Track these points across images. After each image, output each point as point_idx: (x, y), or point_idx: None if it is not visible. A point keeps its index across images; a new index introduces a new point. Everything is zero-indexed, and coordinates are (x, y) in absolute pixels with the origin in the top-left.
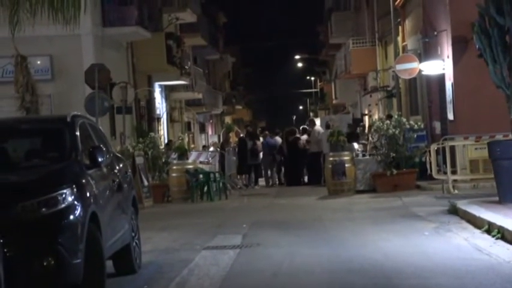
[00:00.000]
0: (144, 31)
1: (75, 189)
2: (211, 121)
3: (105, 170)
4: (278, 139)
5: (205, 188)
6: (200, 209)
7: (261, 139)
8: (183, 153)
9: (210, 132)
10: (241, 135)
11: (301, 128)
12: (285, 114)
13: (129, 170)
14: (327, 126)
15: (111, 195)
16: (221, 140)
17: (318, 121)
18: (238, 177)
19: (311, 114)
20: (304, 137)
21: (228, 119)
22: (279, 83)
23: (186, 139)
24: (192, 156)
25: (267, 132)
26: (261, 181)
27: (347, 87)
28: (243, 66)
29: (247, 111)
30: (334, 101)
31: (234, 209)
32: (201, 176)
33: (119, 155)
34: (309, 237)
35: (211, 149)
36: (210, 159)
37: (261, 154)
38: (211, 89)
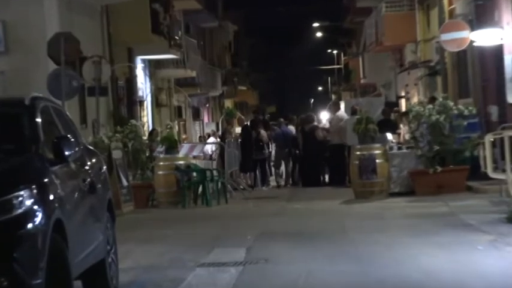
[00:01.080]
0: None
1: (35, 191)
2: (207, 105)
3: (73, 166)
4: (291, 128)
5: (200, 190)
6: (193, 215)
7: (272, 129)
8: (172, 146)
9: (206, 120)
10: (246, 123)
11: (321, 114)
12: (300, 97)
13: (104, 167)
14: (352, 111)
15: (81, 198)
16: (220, 130)
17: (341, 105)
18: (242, 175)
19: (333, 96)
20: (324, 124)
21: (228, 103)
22: (292, 58)
23: (176, 128)
24: (184, 150)
25: (282, 119)
26: (272, 180)
27: (378, 62)
28: (247, 36)
29: (253, 94)
30: (362, 81)
31: (236, 216)
32: (194, 174)
33: (91, 148)
34: (329, 252)
35: (211, 139)
36: (211, 151)
37: (270, 146)
38: (207, 66)
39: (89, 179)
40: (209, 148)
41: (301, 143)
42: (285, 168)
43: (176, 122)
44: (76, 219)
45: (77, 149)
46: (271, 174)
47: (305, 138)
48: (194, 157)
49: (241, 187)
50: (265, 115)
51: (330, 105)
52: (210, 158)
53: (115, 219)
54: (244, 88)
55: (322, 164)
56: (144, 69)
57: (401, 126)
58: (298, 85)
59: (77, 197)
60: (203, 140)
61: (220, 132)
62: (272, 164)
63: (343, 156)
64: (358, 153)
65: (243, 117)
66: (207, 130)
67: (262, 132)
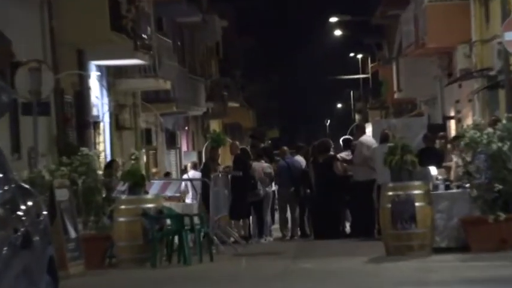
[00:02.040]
0: None
1: None
2: (186, 129)
3: None
4: (300, 160)
5: (176, 243)
6: (167, 278)
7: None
8: (137, 183)
9: (184, 147)
10: (239, 152)
11: (341, 140)
12: (312, 118)
13: (44, 212)
14: (383, 137)
15: (11, 254)
16: (203, 161)
17: (368, 129)
18: (233, 223)
19: (357, 117)
20: (345, 154)
21: (215, 126)
22: (301, 64)
23: (144, 159)
24: (154, 188)
25: (285, 148)
26: (274, 229)
27: (419, 71)
28: (241, 35)
29: (248, 113)
30: (396, 95)
31: (224, 280)
32: (168, 221)
33: (27, 187)
34: None
35: (191, 173)
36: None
37: (271, 184)
38: (186, 74)
39: (22, 229)
40: (178, 187)
41: (314, 180)
42: (291, 213)
43: (144, 150)
44: (2, 285)
45: (5, 187)
46: (273, 222)
47: (318, 173)
48: (168, 198)
49: (232, 239)
50: (264, 141)
51: (353, 129)
52: (180, 200)
53: (58, 284)
54: (236, 105)
55: (342, 209)
56: (100, 79)
57: (452, 157)
58: (309, 102)
59: (5, 253)
60: (180, 174)
61: (201, 166)
62: (276, 207)
63: (371, 197)
64: (390, 193)
65: (237, 143)
66: (186, 162)
67: (255, 164)
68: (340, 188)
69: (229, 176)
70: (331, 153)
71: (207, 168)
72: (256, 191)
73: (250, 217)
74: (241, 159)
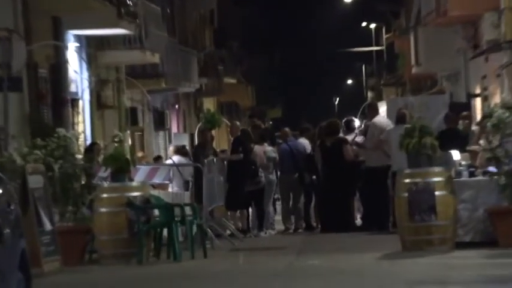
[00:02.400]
0: None
1: None
2: (177, 107)
3: None
4: (304, 143)
5: (166, 236)
6: (154, 277)
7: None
8: (121, 169)
9: (174, 129)
10: (239, 133)
11: (343, 122)
12: (319, 96)
13: (15, 201)
14: (399, 117)
15: None
16: (196, 145)
17: (382, 108)
18: (229, 215)
19: (369, 95)
20: (356, 137)
21: (209, 104)
22: (307, 35)
23: (129, 141)
24: (140, 175)
25: (288, 129)
26: (276, 221)
27: (440, 42)
28: (237, 1)
29: (247, 90)
30: (414, 70)
31: (219, 279)
32: (156, 212)
33: None
34: None
35: (175, 158)
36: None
37: (268, 174)
38: (177, 46)
39: None
40: (167, 173)
41: (320, 165)
42: (295, 203)
43: (129, 132)
44: None
45: None
46: (275, 213)
47: (326, 158)
48: (158, 186)
49: (228, 232)
50: (265, 122)
51: (364, 108)
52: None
53: (31, 282)
54: (233, 81)
55: (352, 198)
56: (79, 51)
57: (479, 140)
58: (315, 78)
59: None
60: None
61: (193, 150)
62: (276, 197)
63: (385, 186)
64: (407, 181)
65: (238, 123)
66: (174, 145)
67: (256, 148)
68: (350, 175)
69: (225, 162)
70: (341, 135)
71: (200, 151)
72: (257, 179)
73: (250, 208)
74: (241, 141)
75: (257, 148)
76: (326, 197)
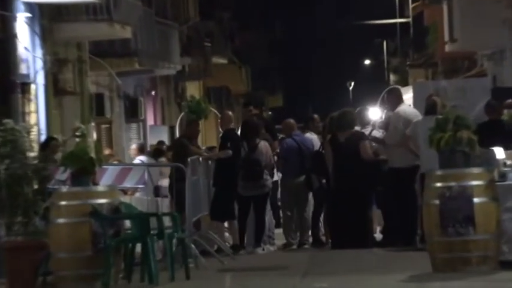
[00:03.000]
0: None
1: None
2: (153, 94)
3: None
4: (312, 138)
5: (139, 253)
6: None
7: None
8: (85, 170)
9: (151, 120)
10: (232, 125)
11: (357, 110)
12: (329, 79)
13: None
14: (429, 106)
15: None
16: (176, 139)
17: (407, 95)
18: (217, 226)
19: (391, 78)
20: (374, 131)
21: (194, 90)
22: (314, 5)
23: (94, 136)
24: (107, 177)
25: (292, 121)
26: (277, 235)
27: (480, 12)
28: None
29: (241, 72)
30: (447, 47)
31: None
32: (127, 223)
33: None
34: None
35: (140, 159)
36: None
37: (274, 175)
38: (153, 18)
39: None
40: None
41: (332, 167)
42: (300, 212)
43: (94, 124)
44: None
45: None
46: (277, 225)
47: (338, 158)
48: (127, 192)
49: (216, 248)
50: (263, 112)
51: (385, 94)
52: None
53: None
54: (223, 61)
55: (371, 206)
56: (31, 23)
57: None
58: (325, 57)
59: None
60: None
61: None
62: (279, 203)
63: (411, 191)
64: (439, 185)
65: (230, 113)
66: (152, 141)
67: (262, 144)
68: (368, 178)
69: (209, 161)
70: (356, 128)
71: (182, 149)
72: (261, 182)
73: (245, 218)
74: (231, 135)
75: (263, 145)
76: (338, 205)
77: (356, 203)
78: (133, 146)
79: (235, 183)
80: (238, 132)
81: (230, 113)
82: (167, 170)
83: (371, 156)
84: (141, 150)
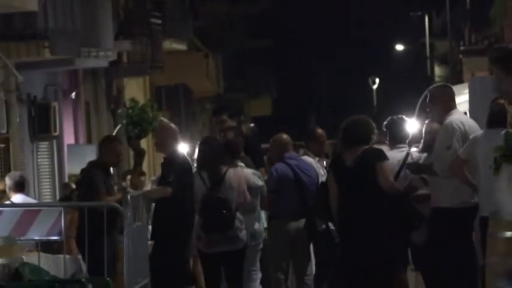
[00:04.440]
0: None
1: None
2: (74, 96)
3: None
4: (311, 162)
5: None
6: None
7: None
8: None
9: (69, 138)
10: (177, 145)
11: (389, 122)
12: (344, 76)
13: None
14: (494, 115)
15: None
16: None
17: (462, 97)
18: None
19: (437, 72)
20: (413, 151)
21: (135, 89)
22: None
23: None
24: (3, 224)
25: (285, 137)
26: None
27: None
28: None
29: (207, 63)
30: None
31: None
32: None
33: None
34: None
35: (16, 198)
36: None
37: (252, 221)
38: None
39: None
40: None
41: (336, 206)
42: (298, 274)
43: None
44: None
45: None
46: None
47: (345, 192)
48: (30, 249)
49: None
50: (241, 123)
51: (428, 96)
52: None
53: None
54: (181, 47)
55: (401, 267)
56: None
57: None
58: (336, 41)
59: None
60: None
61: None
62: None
63: (467, 242)
64: (510, 235)
65: (171, 125)
66: (73, 169)
67: (231, 174)
68: (395, 223)
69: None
70: (384, 145)
71: (88, 187)
72: (231, 232)
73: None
74: (176, 160)
75: (231, 174)
76: (349, 267)
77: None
78: (7, 180)
79: (182, 236)
80: (195, 155)
81: (172, 125)
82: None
83: (393, 188)
84: (20, 186)
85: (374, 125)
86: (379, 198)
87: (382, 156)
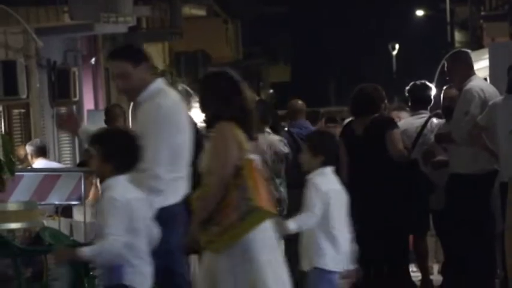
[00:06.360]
0: None
1: None
2: (93, 62)
3: None
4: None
5: None
6: None
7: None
8: None
9: (89, 103)
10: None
11: (412, 87)
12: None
13: None
14: None
15: None
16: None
17: (481, 63)
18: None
19: (457, 38)
20: (433, 121)
21: (155, 55)
22: None
23: (1, 126)
24: (23, 189)
25: (300, 103)
26: None
27: None
28: None
29: (227, 29)
30: None
31: None
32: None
33: None
34: None
35: (38, 163)
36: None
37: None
38: None
39: None
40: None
41: (347, 174)
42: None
43: (1, 108)
44: None
45: None
46: None
47: (356, 160)
48: (50, 214)
49: None
50: (260, 89)
51: (447, 62)
52: None
53: None
54: (200, 13)
55: (419, 233)
56: None
57: None
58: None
59: None
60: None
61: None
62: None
63: (486, 208)
64: None
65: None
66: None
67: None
68: (406, 191)
69: None
70: (384, 113)
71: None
72: None
73: None
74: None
75: (262, 139)
76: (363, 235)
77: (390, 229)
78: (29, 148)
79: None
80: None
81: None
82: None
83: (404, 154)
84: (41, 152)
85: (383, 92)
86: (389, 166)
87: (392, 124)
